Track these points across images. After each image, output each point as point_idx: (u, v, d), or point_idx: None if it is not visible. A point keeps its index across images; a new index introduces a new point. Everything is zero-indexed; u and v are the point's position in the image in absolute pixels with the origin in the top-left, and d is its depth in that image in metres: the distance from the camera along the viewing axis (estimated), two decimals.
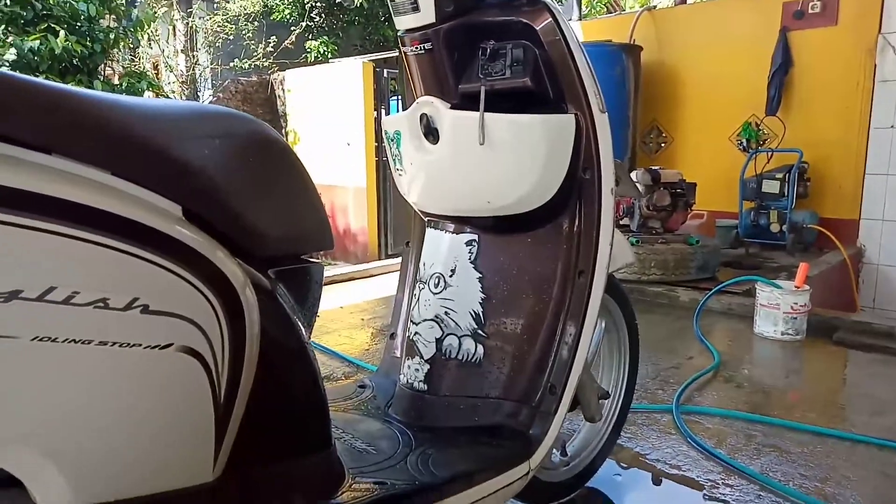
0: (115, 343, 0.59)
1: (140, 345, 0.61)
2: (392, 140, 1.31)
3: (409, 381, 1.26)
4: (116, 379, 0.60)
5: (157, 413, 0.64)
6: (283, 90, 7.44)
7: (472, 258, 1.25)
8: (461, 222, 1.28)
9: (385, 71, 6.64)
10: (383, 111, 6.62)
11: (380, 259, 6.22)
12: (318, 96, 6.96)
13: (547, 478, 1.53)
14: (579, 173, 1.19)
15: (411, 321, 1.30)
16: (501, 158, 1.16)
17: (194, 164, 0.71)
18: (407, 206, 1.44)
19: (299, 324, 0.83)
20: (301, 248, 0.90)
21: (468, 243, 1.26)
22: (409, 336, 1.30)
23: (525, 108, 1.17)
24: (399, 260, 1.55)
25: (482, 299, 1.24)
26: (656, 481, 1.74)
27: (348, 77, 6.57)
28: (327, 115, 6.82)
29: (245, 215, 0.76)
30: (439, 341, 1.25)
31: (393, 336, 1.49)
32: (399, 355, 1.46)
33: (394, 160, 1.33)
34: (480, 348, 1.23)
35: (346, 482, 0.92)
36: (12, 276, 0.53)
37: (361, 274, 4.44)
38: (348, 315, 3.38)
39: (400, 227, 6.53)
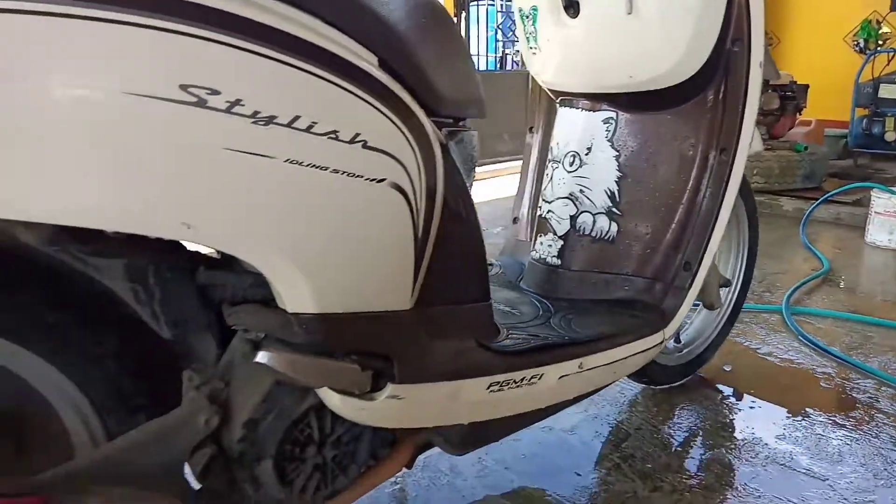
0: (343, 172, 0.66)
1: (362, 176, 0.67)
2: (527, 17, 1.30)
3: (542, 256, 1.31)
4: (346, 204, 0.67)
5: (374, 239, 0.71)
6: None
7: (609, 136, 1.26)
8: (597, 99, 1.27)
9: None
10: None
11: None
12: None
13: (663, 361, 1.58)
14: (728, 45, 1.15)
15: (543, 200, 1.33)
16: (648, 29, 1.14)
17: (389, 18, 0.75)
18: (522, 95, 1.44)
19: (466, 182, 0.88)
20: (464, 113, 0.93)
21: (605, 121, 1.26)
22: (541, 214, 1.34)
23: None
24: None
25: (618, 177, 1.25)
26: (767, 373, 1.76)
27: None
28: None
29: (428, 73, 0.80)
30: (573, 218, 1.28)
31: (516, 220, 1.54)
32: (523, 238, 1.51)
33: (527, 38, 1.32)
34: (614, 226, 1.26)
35: (503, 332, 1.00)
36: (270, 103, 0.59)
37: None
38: None
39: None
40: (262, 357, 0.66)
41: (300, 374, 0.67)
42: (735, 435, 1.47)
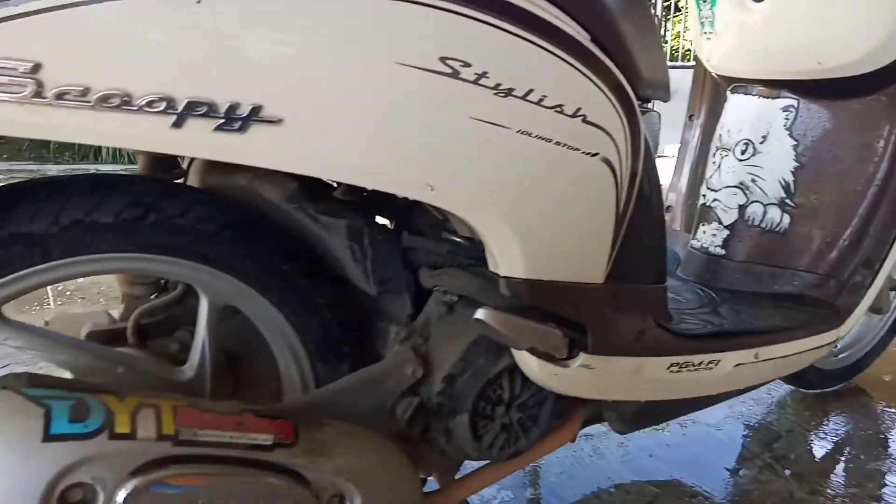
0: (564, 144, 0.69)
1: (579, 150, 0.70)
2: (704, 1, 1.27)
3: (704, 245, 1.29)
4: (563, 176, 0.70)
5: (583, 212, 0.74)
6: None
7: (789, 124, 1.21)
8: (776, 86, 1.23)
9: None
10: None
11: None
12: None
13: (818, 364, 1.51)
14: None
15: (709, 188, 1.30)
16: (844, 12, 1.09)
17: None
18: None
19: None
20: (654, 95, 0.94)
21: (785, 108, 1.21)
22: (704, 202, 1.31)
23: None
24: None
25: (794, 168, 1.20)
26: None
27: None
28: None
29: (633, 52, 0.81)
30: (742, 208, 1.25)
31: (669, 209, 1.51)
32: (677, 227, 1.49)
33: (701, 23, 1.29)
34: (787, 218, 1.21)
35: (675, 317, 0.99)
36: (510, 76, 0.63)
37: None
38: None
39: None
40: (480, 314, 0.71)
41: (512, 332, 0.72)
42: (892, 451, 1.38)
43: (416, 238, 0.86)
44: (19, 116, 0.50)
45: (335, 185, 0.85)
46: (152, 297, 0.88)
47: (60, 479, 0.52)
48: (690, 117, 1.50)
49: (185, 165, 0.90)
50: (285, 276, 0.79)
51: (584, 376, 0.80)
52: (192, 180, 0.87)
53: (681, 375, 0.91)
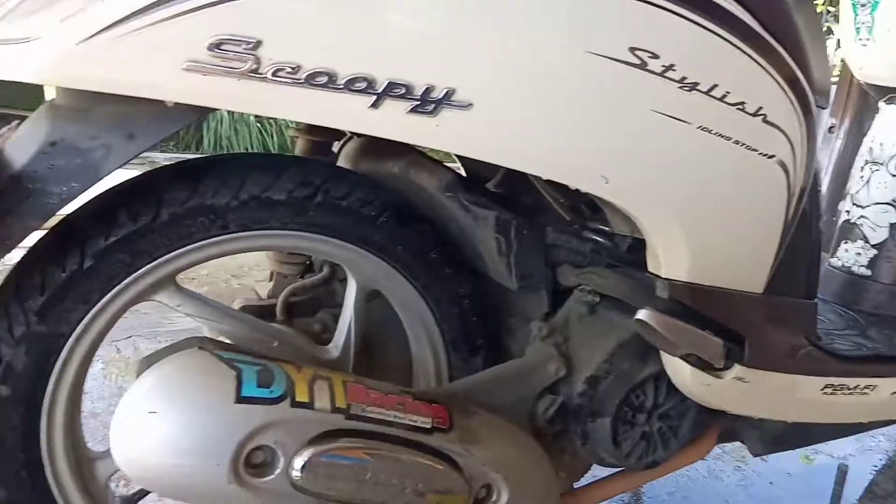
0: (743, 144, 0.66)
1: (756, 150, 0.67)
2: (863, 5, 1.19)
3: (846, 264, 1.21)
4: (738, 176, 0.68)
5: (753, 217, 0.71)
6: None
7: None
8: None
9: None
10: None
11: None
12: None
13: None
14: None
15: (854, 204, 1.22)
16: None
17: None
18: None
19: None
20: (819, 102, 0.89)
21: None
22: (848, 219, 1.23)
23: None
24: None
25: None
26: None
27: None
28: None
29: (808, 56, 0.77)
30: (894, 227, 1.16)
31: None
32: None
33: (857, 29, 1.22)
34: None
35: (824, 336, 0.93)
36: (696, 70, 0.61)
37: None
38: None
39: None
40: (642, 315, 0.69)
41: (674, 336, 0.69)
42: None
43: (561, 235, 0.85)
44: (236, 91, 0.53)
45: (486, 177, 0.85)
46: (299, 277, 0.92)
47: (249, 440, 0.55)
48: (830, 129, 1.41)
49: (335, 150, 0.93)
50: (433, 264, 0.80)
51: (736, 389, 0.77)
52: (343, 165, 0.90)
53: (834, 398, 0.85)
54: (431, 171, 0.80)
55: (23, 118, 0.64)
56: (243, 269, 2.20)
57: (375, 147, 0.86)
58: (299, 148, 0.88)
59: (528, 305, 0.88)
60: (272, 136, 5.00)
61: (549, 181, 0.82)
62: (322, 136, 0.90)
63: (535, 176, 0.83)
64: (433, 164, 0.81)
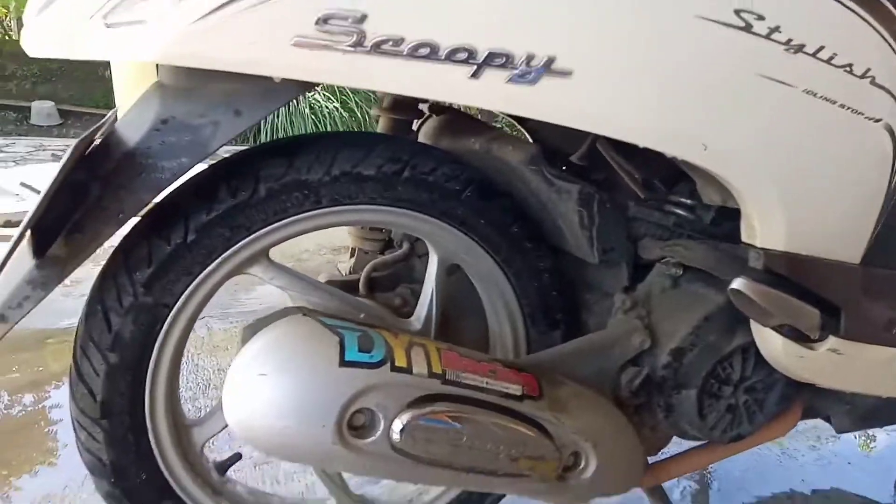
0: (848, 107, 0.64)
1: (862, 114, 0.65)
2: None
3: None
4: (841, 141, 0.65)
5: (854, 183, 0.68)
6: None
7: None
8: None
9: None
10: None
11: None
12: None
13: None
14: None
15: None
16: None
17: None
18: None
19: None
20: None
21: None
22: None
23: None
24: None
25: None
26: None
27: None
28: None
29: None
30: None
31: None
32: None
33: None
34: None
35: None
36: (802, 31, 0.59)
37: None
38: None
39: None
40: (738, 284, 0.68)
41: (770, 306, 0.68)
42: None
43: (643, 209, 0.84)
44: (340, 65, 0.54)
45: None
46: (380, 253, 0.93)
47: (352, 403, 0.57)
48: None
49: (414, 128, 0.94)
50: (513, 238, 0.80)
51: (830, 362, 0.75)
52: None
53: None
54: (515, 144, 0.80)
55: (91, 115, 0.66)
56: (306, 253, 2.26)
57: (454, 124, 0.87)
58: (381, 126, 0.89)
59: (607, 279, 0.87)
60: (327, 129, 5.07)
61: (625, 156, 0.82)
62: (403, 114, 0.91)
63: (611, 152, 0.82)
64: (516, 139, 0.81)
